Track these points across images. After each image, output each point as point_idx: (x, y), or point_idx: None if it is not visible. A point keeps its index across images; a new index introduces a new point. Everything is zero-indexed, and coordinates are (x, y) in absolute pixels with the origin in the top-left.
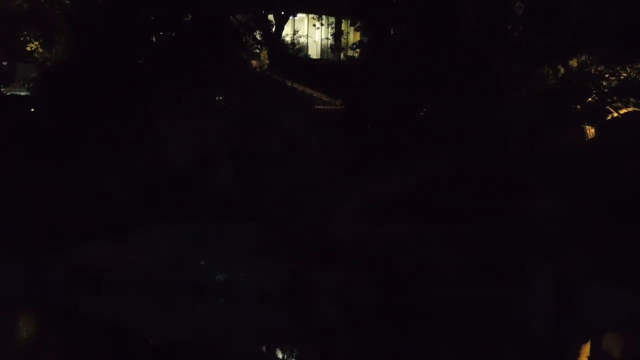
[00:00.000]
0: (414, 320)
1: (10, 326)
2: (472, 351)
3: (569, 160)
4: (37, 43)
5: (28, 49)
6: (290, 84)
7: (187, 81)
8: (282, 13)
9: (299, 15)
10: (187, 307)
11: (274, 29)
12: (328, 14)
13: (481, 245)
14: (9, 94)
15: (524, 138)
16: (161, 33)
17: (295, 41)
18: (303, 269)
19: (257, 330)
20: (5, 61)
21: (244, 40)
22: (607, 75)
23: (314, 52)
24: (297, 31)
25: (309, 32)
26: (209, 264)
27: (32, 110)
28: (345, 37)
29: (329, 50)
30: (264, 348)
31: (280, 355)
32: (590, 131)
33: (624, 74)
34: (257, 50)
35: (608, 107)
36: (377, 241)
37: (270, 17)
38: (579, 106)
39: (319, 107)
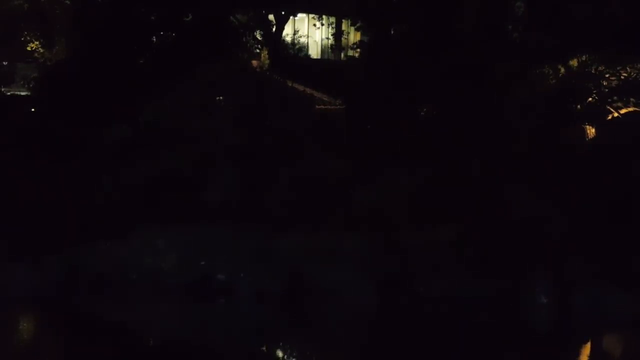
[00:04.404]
0: (414, 320)
1: (11, 326)
2: (473, 351)
3: (569, 160)
4: (37, 43)
5: (28, 49)
6: (290, 84)
7: (188, 81)
8: (283, 13)
9: (300, 15)
10: (187, 307)
11: (274, 29)
12: (328, 14)
13: (481, 246)
14: (9, 94)
15: (524, 138)
16: (161, 33)
17: (296, 41)
18: (303, 269)
19: (256, 331)
20: (5, 61)
21: (244, 40)
22: (607, 75)
23: (314, 52)
24: (298, 31)
25: (310, 32)
26: (209, 264)
27: (33, 110)
28: (346, 37)
29: (330, 50)
30: (263, 348)
31: (280, 356)
32: (591, 131)
33: (624, 74)
34: (258, 50)
35: (608, 107)
36: (377, 241)
37: (271, 17)
38: (579, 106)
39: (320, 107)
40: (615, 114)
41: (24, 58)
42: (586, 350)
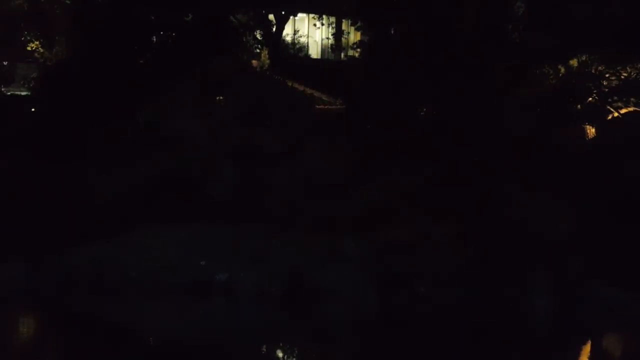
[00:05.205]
0: (414, 321)
1: (10, 326)
2: (473, 351)
3: (569, 160)
4: (37, 43)
5: (28, 49)
6: (290, 84)
7: (188, 81)
8: (283, 13)
9: (300, 15)
10: (187, 307)
11: (274, 29)
12: (328, 14)
13: (481, 246)
14: (9, 94)
15: (524, 138)
16: (161, 33)
17: (296, 41)
18: (303, 269)
19: (256, 331)
20: (5, 61)
21: (244, 40)
22: (607, 75)
23: (314, 52)
24: (298, 31)
25: (310, 32)
26: (209, 264)
27: (33, 110)
28: (346, 36)
29: (330, 50)
30: (263, 348)
31: (280, 356)
32: (591, 131)
33: (625, 74)
34: (258, 50)
35: (608, 107)
36: (377, 241)
37: (271, 16)
38: (579, 106)
39: (320, 106)
40: (615, 114)
41: (24, 58)
42: (586, 350)
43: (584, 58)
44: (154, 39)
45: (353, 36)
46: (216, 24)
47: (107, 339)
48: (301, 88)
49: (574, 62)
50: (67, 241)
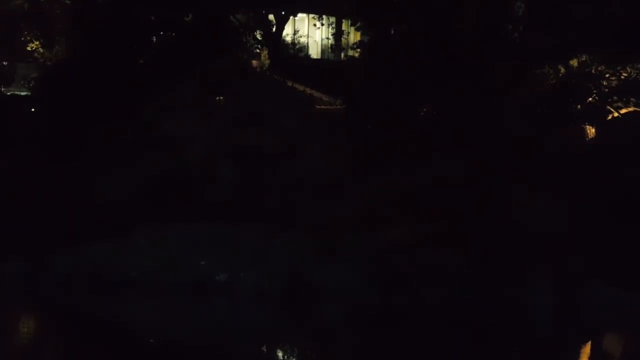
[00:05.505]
0: (414, 320)
1: (11, 326)
2: (473, 351)
3: (569, 160)
4: (37, 43)
5: (28, 49)
6: (290, 84)
7: (188, 81)
8: (283, 13)
9: (300, 15)
10: (187, 307)
11: (274, 29)
12: (328, 14)
13: (481, 246)
14: (9, 94)
15: (524, 138)
16: (161, 33)
17: (296, 41)
18: (303, 269)
19: (256, 331)
20: (5, 61)
21: (244, 40)
22: (607, 75)
23: (314, 52)
24: (298, 31)
25: (310, 32)
26: (209, 264)
27: (33, 110)
28: (346, 37)
29: (330, 50)
30: (263, 348)
31: (280, 356)
32: (591, 131)
33: (625, 74)
34: (258, 50)
35: (608, 107)
36: (377, 241)
37: (271, 17)
38: (579, 106)
39: (320, 107)
40: (615, 114)
41: (24, 58)
42: (586, 350)
43: (584, 58)
44: (154, 39)
45: (353, 36)
46: (216, 24)
47: (107, 339)
48: (301, 88)
49: (574, 62)
50: (67, 241)
